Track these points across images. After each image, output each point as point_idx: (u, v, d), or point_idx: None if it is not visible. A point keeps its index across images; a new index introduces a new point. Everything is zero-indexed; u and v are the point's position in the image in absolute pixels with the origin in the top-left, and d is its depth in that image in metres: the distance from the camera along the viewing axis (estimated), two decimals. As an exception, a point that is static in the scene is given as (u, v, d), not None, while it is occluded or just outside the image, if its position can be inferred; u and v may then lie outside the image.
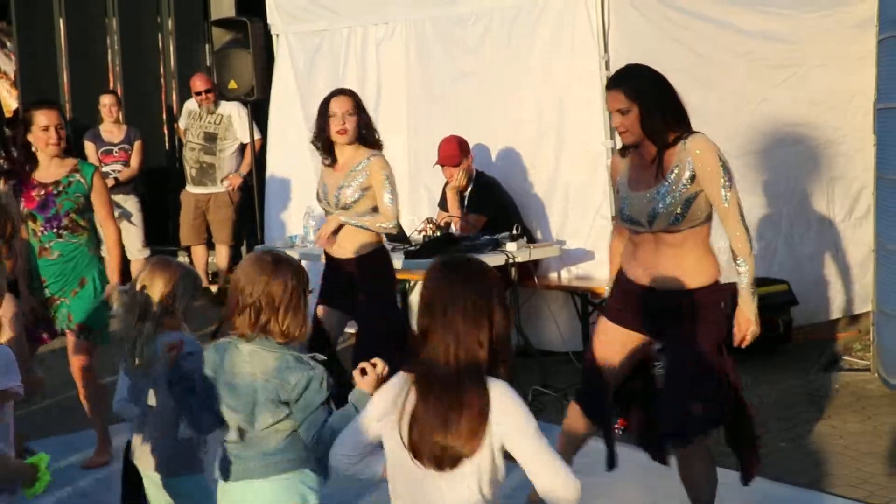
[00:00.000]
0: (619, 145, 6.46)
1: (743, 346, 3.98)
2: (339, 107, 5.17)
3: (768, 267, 7.00)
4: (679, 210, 3.86)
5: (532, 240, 6.72)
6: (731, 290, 3.97)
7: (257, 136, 8.90)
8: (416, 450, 2.58)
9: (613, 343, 4.12)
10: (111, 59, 10.37)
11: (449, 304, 2.58)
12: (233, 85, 8.44)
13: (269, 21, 8.31)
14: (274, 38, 8.36)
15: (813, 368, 6.41)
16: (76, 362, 5.30)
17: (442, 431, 2.54)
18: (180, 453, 3.56)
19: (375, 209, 5.19)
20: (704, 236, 3.95)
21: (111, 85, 10.23)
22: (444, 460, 2.55)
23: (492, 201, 6.78)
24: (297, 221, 7.47)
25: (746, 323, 3.95)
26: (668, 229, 3.89)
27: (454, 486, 2.57)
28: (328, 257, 5.40)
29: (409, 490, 2.64)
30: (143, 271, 3.60)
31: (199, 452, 3.59)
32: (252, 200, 8.69)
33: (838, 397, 5.92)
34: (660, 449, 4.16)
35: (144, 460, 3.62)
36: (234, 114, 8.99)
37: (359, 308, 5.26)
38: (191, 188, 9.20)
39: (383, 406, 2.67)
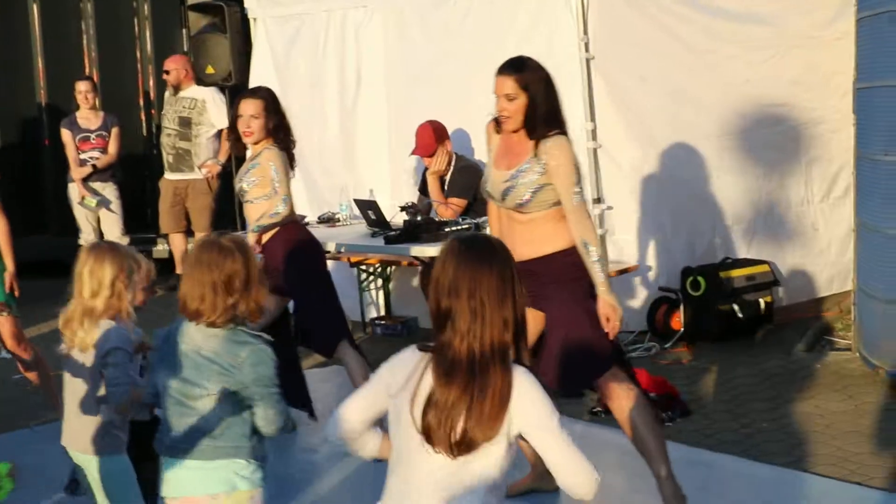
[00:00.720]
0: (596, 127, 6.58)
1: (611, 335, 4.14)
2: (245, 109, 5.31)
3: (748, 248, 7.04)
4: (528, 196, 4.13)
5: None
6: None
7: None
8: (430, 434, 2.51)
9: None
10: (87, 45, 10.29)
11: (476, 284, 2.53)
12: (210, 70, 8.40)
13: (246, 5, 8.28)
14: (251, 22, 8.32)
15: (795, 348, 6.44)
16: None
17: (463, 418, 2.48)
18: (104, 433, 3.63)
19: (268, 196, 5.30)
20: (554, 214, 4.16)
21: (87, 71, 10.16)
22: (461, 447, 2.50)
23: (471, 185, 6.79)
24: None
25: (612, 311, 4.12)
26: (517, 209, 4.16)
27: (461, 473, 2.53)
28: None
29: (409, 472, 2.58)
30: (90, 251, 3.63)
31: (121, 432, 3.64)
32: (231, 187, 8.67)
33: (820, 377, 5.96)
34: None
35: (73, 441, 3.68)
36: (209, 98, 8.94)
37: (289, 287, 5.33)
38: (169, 175, 9.16)
39: (394, 382, 2.60)
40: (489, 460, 2.52)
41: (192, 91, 8.98)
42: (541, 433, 2.52)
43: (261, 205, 5.33)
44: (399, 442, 2.60)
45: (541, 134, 4.13)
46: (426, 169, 6.93)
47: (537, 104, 4.11)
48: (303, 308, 5.40)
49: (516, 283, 2.57)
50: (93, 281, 3.60)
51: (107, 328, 3.58)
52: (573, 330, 4.14)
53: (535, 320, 4.21)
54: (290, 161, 5.38)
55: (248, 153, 5.55)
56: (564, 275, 4.15)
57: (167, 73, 9.03)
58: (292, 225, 5.43)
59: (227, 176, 8.81)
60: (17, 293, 5.61)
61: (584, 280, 4.15)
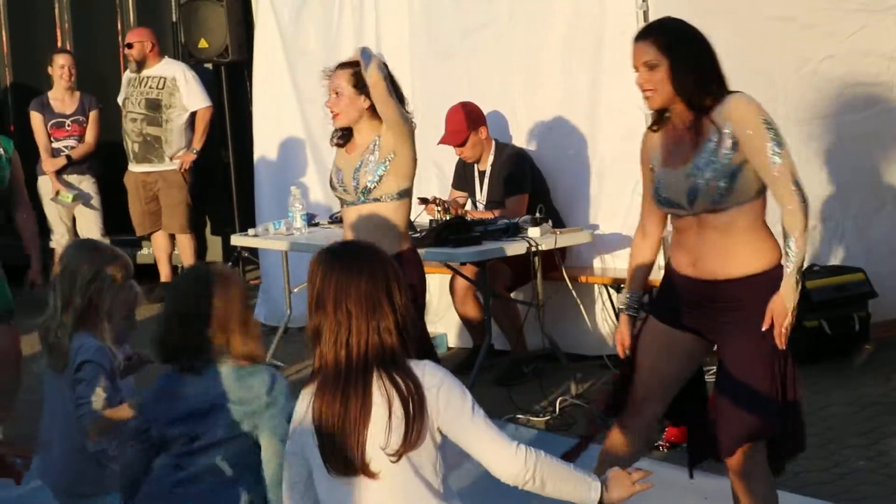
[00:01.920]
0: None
1: (776, 340, 3.88)
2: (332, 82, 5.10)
3: (836, 253, 6.98)
4: (723, 184, 3.85)
5: (559, 224, 6.67)
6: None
7: (207, 103, 8.81)
8: (325, 457, 2.76)
9: (658, 345, 4.11)
10: (59, 15, 10.30)
11: (341, 293, 2.74)
12: (203, 44, 8.40)
13: (244, -32, 8.28)
14: (252, -12, 8.32)
15: None
16: None
17: (341, 431, 2.72)
18: (87, 469, 3.64)
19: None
20: (756, 215, 3.93)
21: (59, 44, 10.16)
22: (351, 464, 2.73)
23: (526, 174, 6.72)
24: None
25: (782, 312, 3.86)
26: (712, 209, 3.88)
27: (401, 488, 2.76)
28: None
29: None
30: (66, 253, 3.70)
31: (109, 468, 3.65)
32: (214, 182, 8.63)
33: (926, 407, 5.88)
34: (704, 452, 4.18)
35: (48, 478, 3.71)
36: (181, 77, 8.87)
37: None
38: (134, 167, 9.12)
39: (296, 423, 2.85)
40: (413, 468, 2.76)
41: (160, 68, 8.94)
42: (460, 426, 2.78)
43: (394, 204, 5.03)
44: (325, 489, 2.80)
45: (700, 103, 3.86)
46: (461, 159, 6.88)
47: (684, 68, 3.87)
48: None
49: (394, 284, 2.79)
50: (65, 286, 3.61)
51: (80, 340, 3.61)
52: (750, 374, 3.90)
53: (700, 350, 4.08)
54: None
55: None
56: (761, 301, 3.86)
57: (130, 46, 8.99)
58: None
59: (239, 169, 8.77)
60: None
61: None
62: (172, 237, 9.25)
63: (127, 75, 9.24)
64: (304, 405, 2.82)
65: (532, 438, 4.45)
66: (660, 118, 4.05)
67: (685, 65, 3.89)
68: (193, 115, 8.95)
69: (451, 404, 2.77)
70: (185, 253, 9.17)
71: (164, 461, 3.24)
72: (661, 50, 3.90)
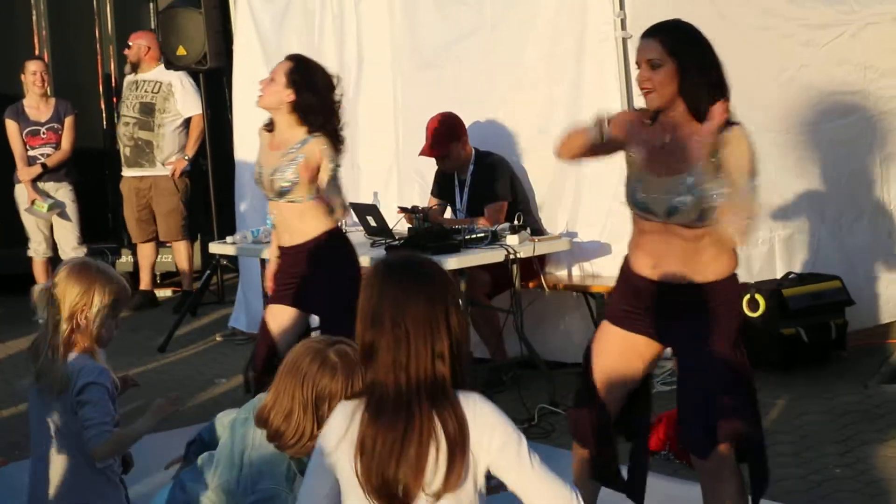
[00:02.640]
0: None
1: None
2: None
3: (813, 261, 7.00)
4: (703, 209, 3.85)
5: (537, 231, 6.69)
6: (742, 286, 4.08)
7: (200, 110, 8.82)
8: (365, 483, 2.60)
9: (612, 350, 4.14)
10: (36, 22, 10.27)
11: (399, 311, 2.60)
12: (181, 51, 8.38)
13: (224, -26, 8.27)
14: (231, -6, 8.31)
15: (872, 380, 6.39)
16: None
17: (392, 463, 2.57)
18: (90, 486, 3.60)
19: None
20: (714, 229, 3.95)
21: (36, 51, 10.13)
22: (395, 497, 2.58)
23: (506, 181, 6.74)
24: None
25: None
26: (685, 224, 3.90)
27: None
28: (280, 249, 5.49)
29: None
30: (59, 274, 3.62)
31: (112, 483, 3.63)
32: (208, 188, 8.63)
33: (902, 414, 5.91)
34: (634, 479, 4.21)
35: (39, 490, 3.65)
36: (177, 83, 8.90)
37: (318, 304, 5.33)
38: (127, 171, 9.13)
39: (329, 442, 2.69)
40: None
41: (157, 73, 8.95)
42: (507, 460, 2.61)
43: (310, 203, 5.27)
44: (349, 495, 2.66)
45: (702, 110, 3.84)
46: (440, 169, 6.89)
47: (692, 71, 3.87)
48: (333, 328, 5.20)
49: (451, 308, 2.64)
50: (55, 307, 3.59)
51: (80, 362, 3.57)
52: (716, 377, 3.94)
53: (650, 353, 4.11)
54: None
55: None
56: (723, 312, 3.94)
57: (129, 47, 9.01)
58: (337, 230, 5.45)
59: (217, 176, 8.76)
60: None
61: (738, 314, 4.02)
62: (157, 248, 9.24)
63: (126, 79, 9.24)
64: (345, 421, 2.67)
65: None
66: (654, 116, 4.01)
67: (695, 69, 3.88)
68: (188, 121, 8.96)
69: (507, 449, 2.62)
70: (181, 260, 9.15)
71: None
72: (667, 50, 3.89)
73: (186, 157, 8.97)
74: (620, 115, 4.08)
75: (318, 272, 5.25)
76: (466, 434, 2.59)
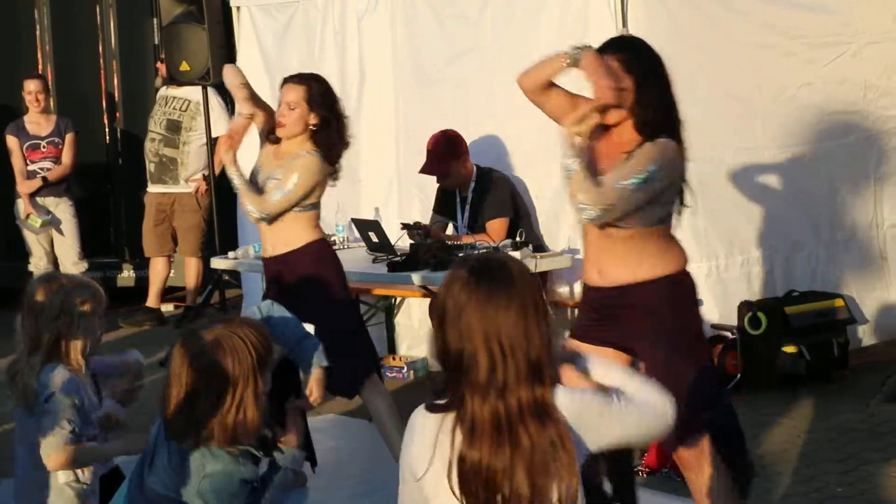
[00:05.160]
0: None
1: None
2: (285, 95, 5.34)
3: (811, 279, 7.00)
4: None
5: (539, 248, 6.68)
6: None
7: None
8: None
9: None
10: (40, 38, 10.29)
11: (491, 323, 2.48)
12: (185, 66, 8.40)
13: (227, -9, 8.29)
14: (234, 10, 8.32)
15: (874, 399, 6.37)
16: None
17: (507, 478, 2.46)
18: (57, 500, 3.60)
19: None
20: (660, 233, 4.06)
21: (40, 68, 10.15)
22: None
23: (507, 198, 6.74)
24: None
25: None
26: (615, 224, 3.98)
27: None
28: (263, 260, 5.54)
29: None
30: (32, 290, 3.57)
31: (82, 498, 3.62)
32: (230, 205, 8.59)
33: (904, 433, 5.90)
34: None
35: None
36: (213, 101, 8.88)
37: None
38: (151, 188, 9.14)
39: (418, 461, 2.54)
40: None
41: (186, 90, 8.93)
42: (601, 421, 2.55)
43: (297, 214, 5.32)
44: None
45: (651, 130, 3.95)
46: (441, 185, 6.89)
47: (649, 91, 3.95)
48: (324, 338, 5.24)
49: (541, 313, 2.52)
50: (31, 324, 3.56)
51: (48, 374, 3.53)
52: (671, 377, 3.91)
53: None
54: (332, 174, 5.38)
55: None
56: (666, 306, 4.02)
57: (161, 61, 8.99)
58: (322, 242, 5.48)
59: (219, 191, 8.76)
60: None
61: (690, 310, 4.09)
62: (170, 264, 9.22)
63: (159, 93, 9.24)
64: (434, 436, 2.53)
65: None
66: (603, 129, 4.07)
67: (649, 88, 3.95)
68: (215, 139, 8.91)
69: (587, 421, 2.54)
70: (190, 275, 9.12)
71: None
72: (626, 67, 3.95)
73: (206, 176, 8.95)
74: (594, 56, 4.01)
75: (305, 282, 5.30)
76: (567, 446, 2.48)
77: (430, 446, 2.52)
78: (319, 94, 5.27)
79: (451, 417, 2.51)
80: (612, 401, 2.57)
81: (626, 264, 4.02)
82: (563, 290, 6.93)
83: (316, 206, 5.36)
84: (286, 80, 5.38)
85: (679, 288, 4.06)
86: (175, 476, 2.99)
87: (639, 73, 3.95)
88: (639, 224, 3.98)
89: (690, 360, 4.04)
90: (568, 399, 2.53)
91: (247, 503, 3.05)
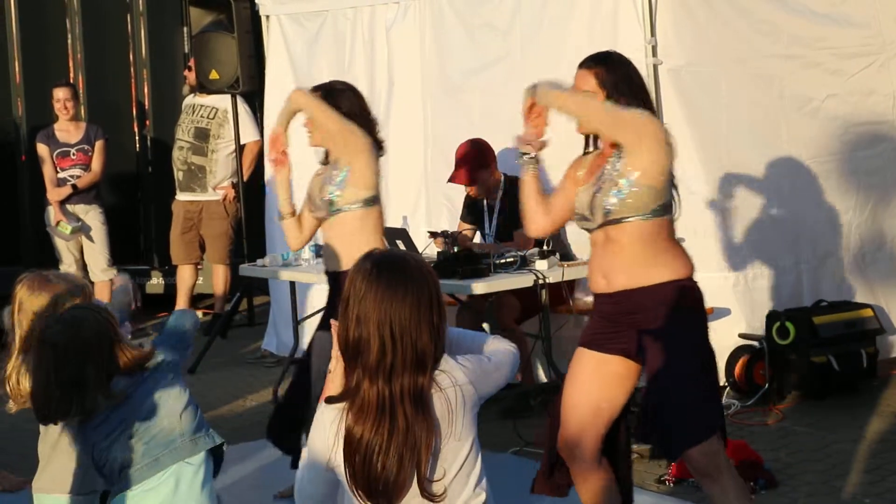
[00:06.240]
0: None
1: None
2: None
3: (839, 290, 6.99)
4: (613, 196, 4.04)
5: (566, 257, 6.69)
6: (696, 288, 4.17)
7: (256, 137, 8.88)
8: (353, 485, 2.73)
9: (587, 373, 4.20)
10: (71, 46, 10.37)
11: (385, 312, 2.69)
12: (214, 75, 8.45)
13: (257, 0, 8.31)
14: (263, 19, 8.37)
15: (903, 410, 6.36)
16: None
17: (378, 465, 2.70)
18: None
19: None
20: (660, 229, 4.09)
21: (71, 76, 10.23)
22: (391, 493, 2.72)
23: None
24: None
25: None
26: (610, 220, 4.06)
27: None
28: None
29: None
30: (18, 291, 3.56)
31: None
32: (258, 212, 8.64)
33: (933, 444, 5.87)
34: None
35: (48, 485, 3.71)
36: (232, 108, 8.93)
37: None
38: (179, 195, 9.19)
39: (324, 450, 2.81)
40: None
41: (214, 98, 8.97)
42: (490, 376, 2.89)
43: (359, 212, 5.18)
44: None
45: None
46: (469, 195, 6.91)
47: (616, 102, 4.10)
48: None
49: (434, 308, 2.74)
50: (22, 326, 3.56)
51: None
52: (681, 382, 4.05)
53: (628, 373, 4.17)
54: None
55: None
56: (673, 310, 4.05)
57: (189, 69, 9.04)
58: None
59: (247, 199, 8.81)
60: None
61: (696, 317, 4.12)
62: (197, 271, 9.27)
63: (185, 101, 9.29)
64: (334, 424, 2.78)
65: (537, 471, 4.46)
66: (594, 143, 4.29)
67: (623, 98, 4.11)
68: (243, 146, 8.96)
69: (479, 378, 2.87)
70: (218, 283, 9.16)
71: None
72: (600, 82, 4.15)
73: (234, 183, 8.99)
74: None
75: None
76: (433, 442, 2.73)
77: (332, 435, 2.77)
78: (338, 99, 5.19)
79: (344, 408, 2.77)
80: (487, 361, 2.90)
81: (632, 270, 4.06)
82: (591, 298, 6.88)
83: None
84: (311, 90, 5.31)
85: (686, 294, 4.09)
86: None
87: (610, 87, 4.14)
88: (638, 215, 4.02)
89: (695, 367, 4.07)
90: (468, 368, 2.83)
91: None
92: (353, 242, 5.01)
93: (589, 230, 4.20)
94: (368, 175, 5.12)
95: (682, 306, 4.06)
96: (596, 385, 4.17)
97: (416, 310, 2.70)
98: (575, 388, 4.20)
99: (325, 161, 5.29)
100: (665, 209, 4.10)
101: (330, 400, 2.79)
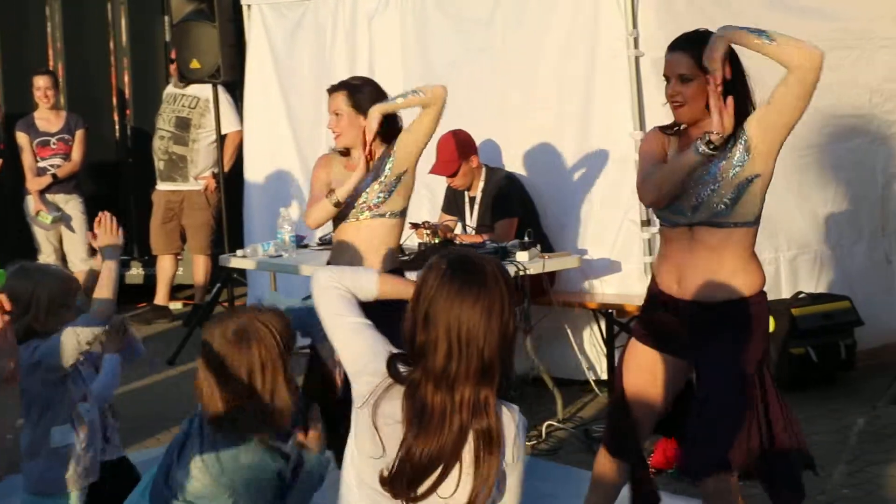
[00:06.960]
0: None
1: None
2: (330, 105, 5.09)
3: (817, 282, 7.01)
4: (729, 197, 3.84)
5: (547, 248, 6.69)
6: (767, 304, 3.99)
7: (238, 127, 8.84)
8: (392, 482, 2.61)
9: (644, 370, 4.12)
10: (51, 34, 10.30)
11: (456, 318, 2.57)
12: (195, 64, 8.40)
13: (238, -11, 8.31)
14: (244, 9, 8.35)
15: (880, 401, 6.37)
16: None
17: (429, 473, 2.58)
18: (50, 468, 3.66)
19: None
20: (749, 241, 3.95)
21: (51, 64, 10.17)
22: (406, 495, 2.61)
23: (516, 199, 6.74)
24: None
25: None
26: (710, 222, 3.86)
27: None
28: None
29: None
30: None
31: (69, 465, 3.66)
32: (237, 202, 8.61)
33: (911, 435, 5.90)
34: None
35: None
36: (222, 98, 8.90)
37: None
38: (160, 185, 9.16)
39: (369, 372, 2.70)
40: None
41: (196, 88, 8.93)
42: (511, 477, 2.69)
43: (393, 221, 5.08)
44: (360, 464, 2.67)
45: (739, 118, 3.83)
46: (450, 186, 6.91)
47: (730, 85, 3.84)
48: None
49: (506, 317, 2.60)
50: None
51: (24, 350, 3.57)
52: (724, 403, 3.88)
53: (667, 370, 4.07)
54: None
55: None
56: (748, 331, 3.88)
57: (172, 61, 9.01)
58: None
59: (228, 189, 8.78)
60: None
61: (759, 338, 3.91)
62: (177, 262, 9.24)
63: (166, 91, 9.25)
64: (375, 390, 2.66)
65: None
66: (676, 128, 4.01)
67: (729, 83, 3.85)
68: (224, 136, 8.92)
69: (511, 470, 2.68)
70: (199, 273, 9.13)
71: None
72: (697, 63, 3.87)
73: (216, 173, 8.95)
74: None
75: None
76: (499, 450, 2.60)
77: (371, 394, 2.65)
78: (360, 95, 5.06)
79: (396, 387, 2.64)
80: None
81: (712, 280, 3.87)
82: (571, 289, 6.93)
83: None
84: (328, 91, 5.15)
85: (757, 312, 3.92)
86: (206, 468, 3.03)
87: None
88: (743, 223, 3.85)
89: (742, 396, 3.89)
90: (514, 424, 2.68)
91: (272, 500, 3.08)
92: (378, 249, 4.94)
93: (672, 224, 3.98)
94: (412, 187, 5.07)
95: (749, 327, 3.88)
96: (650, 381, 4.09)
97: (486, 318, 2.57)
98: (631, 383, 4.11)
99: (344, 152, 5.08)
100: (759, 218, 3.96)
101: (393, 370, 2.66)
